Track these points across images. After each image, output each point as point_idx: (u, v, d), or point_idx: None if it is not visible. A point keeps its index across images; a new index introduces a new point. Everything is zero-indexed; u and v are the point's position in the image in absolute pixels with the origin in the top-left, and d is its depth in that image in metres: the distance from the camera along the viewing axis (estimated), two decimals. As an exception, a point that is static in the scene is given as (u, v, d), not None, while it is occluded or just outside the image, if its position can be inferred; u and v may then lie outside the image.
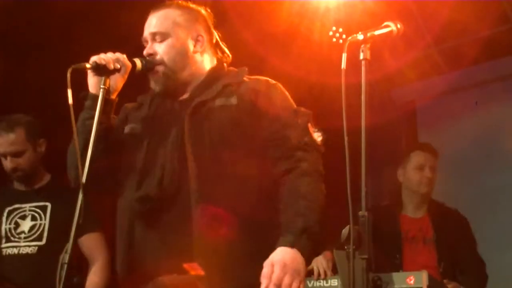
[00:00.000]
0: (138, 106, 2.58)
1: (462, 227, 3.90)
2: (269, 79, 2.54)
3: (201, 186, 2.28)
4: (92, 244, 3.45)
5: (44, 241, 3.35)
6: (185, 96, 2.50)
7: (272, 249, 2.24)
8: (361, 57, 2.17)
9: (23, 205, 3.49)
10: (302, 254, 2.22)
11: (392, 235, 3.77)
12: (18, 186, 3.57)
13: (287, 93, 2.54)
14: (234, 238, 2.25)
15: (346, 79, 2.14)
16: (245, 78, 2.54)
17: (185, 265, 2.32)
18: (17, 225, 3.43)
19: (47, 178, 3.58)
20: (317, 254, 3.68)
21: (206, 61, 2.55)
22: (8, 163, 3.48)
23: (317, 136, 2.44)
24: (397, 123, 5.60)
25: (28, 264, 3.34)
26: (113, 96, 2.42)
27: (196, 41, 2.52)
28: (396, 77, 5.37)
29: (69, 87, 2.14)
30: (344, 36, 4.65)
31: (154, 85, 2.48)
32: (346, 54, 2.14)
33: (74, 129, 2.20)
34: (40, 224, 3.40)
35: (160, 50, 2.47)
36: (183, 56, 2.48)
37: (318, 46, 4.63)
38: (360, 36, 2.18)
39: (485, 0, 4.55)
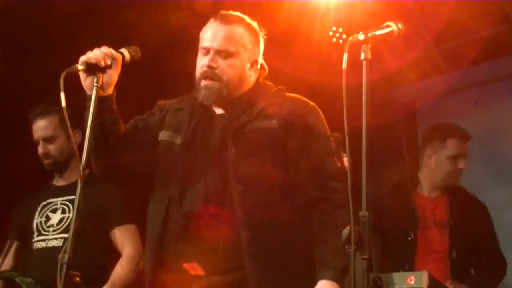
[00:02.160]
0: (176, 110, 2.60)
1: (481, 212, 3.80)
2: (309, 101, 2.60)
3: (245, 208, 2.35)
4: (121, 237, 3.43)
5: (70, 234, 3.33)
6: (225, 112, 2.54)
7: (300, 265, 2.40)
8: (362, 57, 2.16)
9: (55, 199, 3.51)
10: (339, 284, 2.37)
11: (406, 213, 3.70)
12: (56, 181, 3.59)
13: (322, 115, 2.60)
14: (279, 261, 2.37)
15: (346, 79, 2.13)
16: (285, 97, 2.59)
17: (185, 265, 2.32)
18: (47, 218, 3.45)
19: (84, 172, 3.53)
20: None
21: (251, 80, 2.61)
22: (40, 148, 3.51)
23: (345, 162, 2.48)
24: (397, 123, 5.59)
25: (54, 257, 3.31)
26: (110, 91, 2.44)
27: (252, 65, 2.58)
28: (396, 77, 5.37)
29: (62, 90, 2.15)
30: (344, 36, 4.65)
31: (203, 98, 2.51)
32: (347, 54, 2.14)
33: (70, 130, 2.24)
34: (68, 217, 3.40)
35: (222, 66, 2.49)
36: (240, 77, 2.54)
37: (318, 46, 4.63)
38: (361, 36, 2.17)
39: (485, 0, 4.55)
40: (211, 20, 2.57)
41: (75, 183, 3.43)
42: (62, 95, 2.14)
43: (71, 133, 2.18)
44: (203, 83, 2.50)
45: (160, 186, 2.50)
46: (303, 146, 2.49)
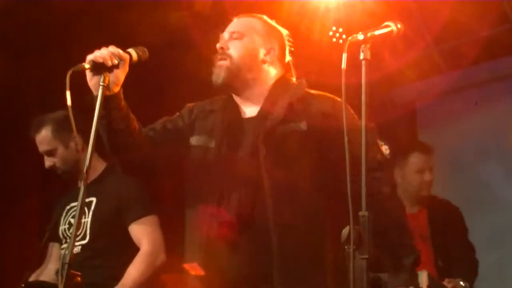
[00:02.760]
0: (206, 113, 2.60)
1: (454, 217, 3.89)
2: (335, 97, 2.57)
3: (277, 213, 2.35)
4: (138, 233, 3.34)
5: (87, 240, 3.29)
6: (254, 111, 2.53)
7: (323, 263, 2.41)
8: (362, 57, 2.16)
9: (76, 203, 3.48)
10: None
11: None
12: (79, 182, 3.57)
13: (350, 109, 2.53)
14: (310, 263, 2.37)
15: (346, 79, 2.14)
16: (308, 92, 2.59)
17: (185, 265, 2.32)
18: (70, 225, 3.39)
19: (99, 170, 3.48)
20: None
21: (272, 74, 2.60)
22: (45, 162, 3.49)
23: (385, 150, 2.55)
24: (397, 123, 5.59)
25: (74, 266, 3.32)
26: (116, 90, 2.41)
27: (268, 52, 2.59)
28: (396, 77, 5.37)
29: (68, 89, 2.14)
30: (344, 36, 4.65)
31: (215, 78, 2.53)
32: (346, 54, 2.14)
33: (74, 130, 2.21)
34: (84, 222, 3.33)
35: (232, 46, 2.54)
36: (251, 58, 2.55)
37: (318, 46, 4.63)
38: (360, 36, 2.17)
39: (485, 0, 4.55)
40: None
41: (91, 184, 3.45)
42: (68, 94, 2.13)
43: (75, 133, 2.14)
44: (215, 65, 2.55)
45: (197, 192, 2.50)
46: (339, 146, 2.38)
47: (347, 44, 2.16)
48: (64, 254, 2.09)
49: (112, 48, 2.36)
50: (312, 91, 2.61)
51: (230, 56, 2.52)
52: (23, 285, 3.29)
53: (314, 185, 2.45)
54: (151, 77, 4.61)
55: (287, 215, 2.36)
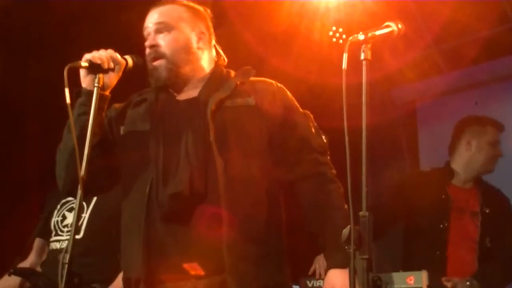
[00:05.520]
0: (135, 104, 2.54)
1: (507, 207, 3.86)
2: (274, 82, 2.57)
3: (228, 185, 2.29)
4: None
5: (81, 235, 3.29)
6: (193, 94, 2.46)
7: (277, 251, 2.35)
8: (362, 57, 2.16)
9: (74, 198, 3.46)
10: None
11: (439, 202, 3.74)
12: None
13: (289, 94, 2.57)
14: (258, 241, 2.31)
15: (346, 79, 2.14)
16: (252, 78, 2.54)
17: (185, 265, 2.31)
18: (64, 218, 3.41)
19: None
20: (319, 253, 3.69)
21: (206, 59, 2.55)
22: None
23: (324, 138, 2.55)
24: (397, 123, 5.59)
25: None
26: (107, 93, 2.41)
27: (199, 37, 2.52)
28: (396, 77, 5.37)
29: (67, 86, 2.14)
30: (344, 36, 4.66)
31: (155, 80, 2.45)
32: (346, 54, 2.14)
33: (73, 129, 2.20)
34: (83, 217, 3.34)
35: (163, 42, 2.45)
36: (186, 50, 2.47)
37: (318, 46, 4.63)
38: (361, 36, 2.17)
39: (485, 0, 4.55)
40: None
41: None
42: (67, 90, 2.13)
43: (73, 130, 2.13)
44: (150, 66, 2.45)
45: (133, 177, 2.40)
46: (287, 123, 2.46)
47: (347, 44, 2.16)
48: (64, 254, 2.08)
49: (111, 52, 2.38)
50: (257, 78, 2.55)
51: (164, 55, 2.44)
52: (11, 270, 3.30)
53: (267, 161, 2.41)
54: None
55: (239, 193, 2.29)
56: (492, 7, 4.68)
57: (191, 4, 2.58)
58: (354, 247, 2.00)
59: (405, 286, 3.10)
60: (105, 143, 2.45)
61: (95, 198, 3.36)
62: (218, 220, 2.26)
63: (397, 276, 3.11)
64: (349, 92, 2.13)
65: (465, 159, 3.86)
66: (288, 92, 2.56)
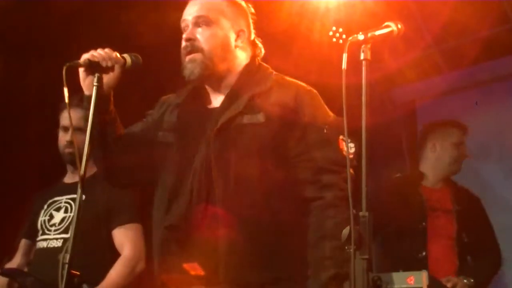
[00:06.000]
0: (173, 108, 2.51)
1: (478, 205, 3.98)
2: (301, 87, 2.46)
3: (225, 204, 2.25)
4: (121, 237, 3.35)
5: (69, 234, 3.31)
6: (216, 104, 2.44)
7: (276, 254, 2.27)
8: (362, 57, 2.16)
9: (61, 197, 3.46)
10: None
11: (416, 204, 3.85)
12: (66, 178, 3.55)
13: (319, 100, 2.47)
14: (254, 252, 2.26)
15: (346, 79, 2.14)
16: (274, 80, 2.45)
17: (185, 265, 2.32)
18: (51, 217, 3.41)
19: (92, 170, 3.40)
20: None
21: (243, 58, 2.48)
22: (68, 136, 3.41)
23: (350, 148, 2.30)
24: (397, 123, 5.59)
25: (54, 257, 3.30)
26: (108, 93, 2.40)
27: (238, 35, 2.46)
28: (396, 77, 5.37)
29: (65, 85, 2.14)
30: (344, 36, 4.66)
31: (189, 73, 2.39)
32: (346, 54, 2.14)
33: (71, 127, 2.22)
34: (70, 216, 3.34)
35: (201, 37, 2.39)
36: (224, 47, 2.41)
37: (318, 46, 4.63)
38: (360, 36, 2.17)
39: (485, 0, 4.55)
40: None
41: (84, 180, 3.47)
42: (66, 90, 2.13)
43: (73, 130, 2.14)
44: (186, 58, 2.40)
45: (161, 188, 2.44)
46: (297, 140, 2.36)
47: (347, 44, 2.16)
48: (64, 254, 2.08)
49: (108, 50, 2.36)
50: (279, 78, 2.47)
51: (201, 49, 2.37)
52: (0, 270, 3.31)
53: (266, 177, 2.31)
54: (151, 77, 4.61)
55: (234, 206, 2.24)
56: (492, 7, 4.68)
57: None
58: (354, 247, 2.00)
59: (405, 286, 3.09)
60: (137, 138, 2.49)
61: (84, 197, 3.37)
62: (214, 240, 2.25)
63: (397, 276, 3.10)
64: (349, 92, 2.13)
65: (432, 161, 4.00)
66: (312, 97, 2.46)
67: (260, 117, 2.34)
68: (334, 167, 2.34)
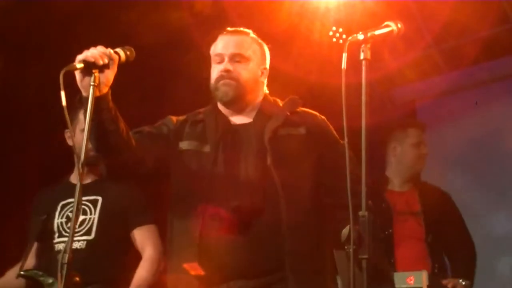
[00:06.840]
0: (194, 122, 2.72)
1: (447, 202, 3.97)
2: (318, 114, 2.77)
3: (286, 203, 2.49)
4: (141, 238, 3.37)
5: (92, 236, 3.28)
6: (246, 119, 2.69)
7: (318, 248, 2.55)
8: (362, 57, 2.17)
9: (72, 199, 3.44)
10: None
11: (381, 211, 3.81)
12: (73, 179, 3.55)
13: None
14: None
15: (346, 79, 2.14)
16: (298, 108, 2.74)
17: (185, 265, 2.32)
18: (68, 219, 3.38)
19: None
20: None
21: (262, 92, 2.77)
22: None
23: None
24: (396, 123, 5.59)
25: (77, 260, 3.31)
26: (105, 90, 2.41)
27: (262, 73, 2.76)
28: (396, 77, 5.37)
29: (62, 89, 2.15)
30: (344, 36, 4.66)
31: (222, 95, 2.65)
32: (346, 54, 2.14)
33: (70, 128, 2.29)
34: (90, 219, 3.33)
35: (238, 69, 2.66)
36: (254, 81, 2.71)
37: (318, 46, 4.64)
38: (360, 36, 2.18)
39: (485, 0, 4.55)
40: (221, 35, 2.74)
41: (94, 182, 3.43)
42: (63, 93, 2.14)
43: (71, 132, 2.15)
44: (220, 82, 2.65)
45: (187, 194, 2.57)
46: (333, 153, 2.60)
47: (347, 44, 2.17)
48: (63, 254, 2.08)
49: (102, 48, 2.37)
50: (304, 109, 2.76)
51: (237, 79, 2.64)
52: (22, 272, 3.31)
53: (314, 185, 2.59)
54: (151, 77, 4.62)
55: (297, 214, 2.49)
56: (492, 7, 4.68)
57: (259, 40, 2.80)
58: (354, 247, 2.00)
59: (405, 286, 3.10)
60: (160, 144, 2.65)
61: (100, 199, 3.37)
62: (277, 230, 2.47)
63: (397, 276, 3.11)
64: (349, 92, 2.14)
65: (394, 164, 4.01)
66: (329, 124, 2.75)
67: (302, 130, 2.65)
68: (358, 179, 2.49)
